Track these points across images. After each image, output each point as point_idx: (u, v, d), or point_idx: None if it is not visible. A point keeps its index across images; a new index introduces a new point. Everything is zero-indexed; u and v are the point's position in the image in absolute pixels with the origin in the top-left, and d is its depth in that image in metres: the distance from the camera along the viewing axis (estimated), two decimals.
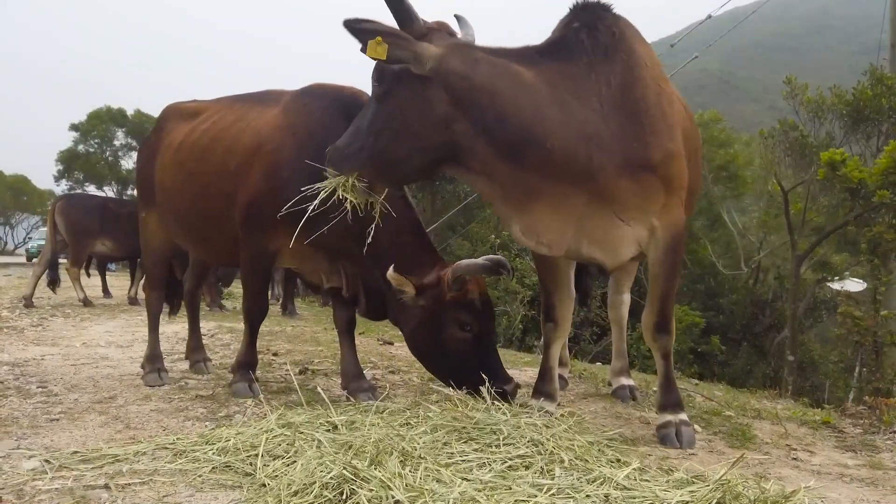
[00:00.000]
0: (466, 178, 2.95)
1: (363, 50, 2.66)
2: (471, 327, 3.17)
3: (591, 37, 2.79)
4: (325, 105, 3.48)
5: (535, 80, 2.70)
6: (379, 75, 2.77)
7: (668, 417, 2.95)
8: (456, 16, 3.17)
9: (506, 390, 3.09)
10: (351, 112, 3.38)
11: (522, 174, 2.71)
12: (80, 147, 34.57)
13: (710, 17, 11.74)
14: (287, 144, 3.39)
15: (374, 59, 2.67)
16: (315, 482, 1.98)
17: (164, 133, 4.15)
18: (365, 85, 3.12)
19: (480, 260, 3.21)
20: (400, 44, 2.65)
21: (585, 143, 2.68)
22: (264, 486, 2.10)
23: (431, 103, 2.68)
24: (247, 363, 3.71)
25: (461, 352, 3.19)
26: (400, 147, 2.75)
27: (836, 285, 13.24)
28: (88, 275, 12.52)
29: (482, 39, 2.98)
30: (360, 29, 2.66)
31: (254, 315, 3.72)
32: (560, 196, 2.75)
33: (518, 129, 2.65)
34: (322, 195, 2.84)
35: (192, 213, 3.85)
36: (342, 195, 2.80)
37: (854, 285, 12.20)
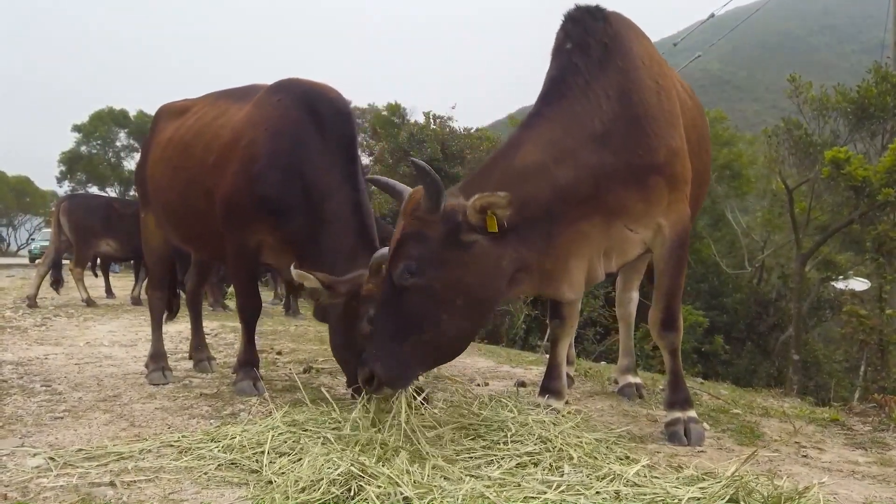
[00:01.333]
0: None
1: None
2: None
3: (583, 55, 2.79)
4: (296, 100, 3.49)
5: (541, 154, 2.64)
6: (415, 265, 2.48)
7: (677, 414, 2.92)
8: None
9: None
10: (320, 107, 3.43)
11: (554, 247, 2.69)
12: (83, 148, 34.66)
13: (713, 15, 11.69)
14: (259, 139, 3.42)
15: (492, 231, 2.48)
16: (322, 479, 1.96)
17: (157, 132, 4.23)
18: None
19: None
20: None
21: (594, 180, 2.68)
22: (271, 483, 2.08)
23: (494, 255, 2.55)
24: (249, 361, 3.70)
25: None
26: (472, 315, 2.57)
27: (840, 284, 13.20)
28: (96, 275, 12.49)
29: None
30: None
31: (247, 313, 3.71)
32: (582, 237, 2.76)
33: (546, 217, 2.61)
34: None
35: (180, 210, 3.88)
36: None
37: (858, 284, 12.16)
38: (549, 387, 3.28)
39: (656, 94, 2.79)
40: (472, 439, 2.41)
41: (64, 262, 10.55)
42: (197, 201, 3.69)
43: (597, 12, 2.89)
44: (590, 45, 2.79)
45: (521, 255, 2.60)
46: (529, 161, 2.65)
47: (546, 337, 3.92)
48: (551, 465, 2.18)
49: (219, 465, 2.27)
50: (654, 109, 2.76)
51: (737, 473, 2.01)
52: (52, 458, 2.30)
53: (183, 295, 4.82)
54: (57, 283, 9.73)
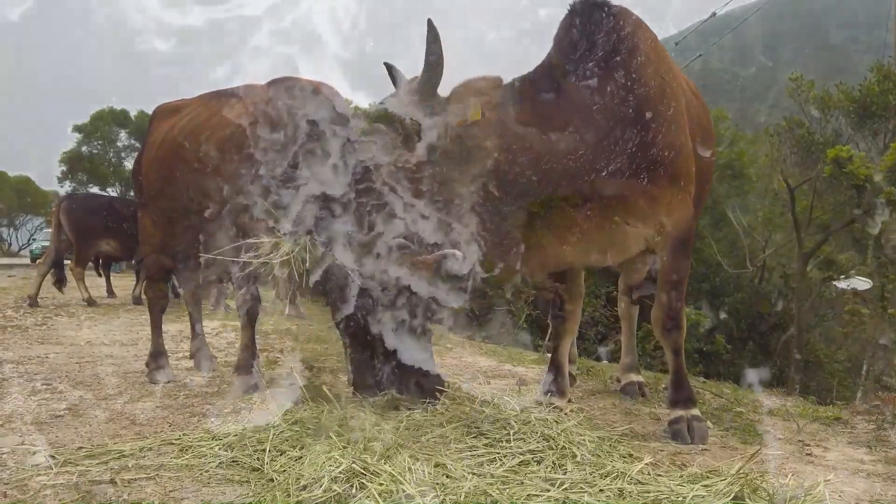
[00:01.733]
0: None
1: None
2: None
3: (587, 49, 2.76)
4: (290, 98, 3.48)
5: (531, 137, 2.64)
6: (380, 144, 2.80)
7: (680, 413, 2.90)
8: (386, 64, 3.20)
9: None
10: (317, 105, 3.42)
11: (525, 223, 2.69)
12: (84, 148, 34.58)
13: (714, 14, 11.67)
14: (254, 138, 3.41)
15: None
16: (324, 476, 1.95)
17: (152, 132, 4.24)
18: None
19: None
20: None
21: (588, 173, 2.66)
22: (272, 480, 2.07)
23: (448, 178, 2.74)
24: (249, 360, 3.69)
25: None
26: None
27: (842, 283, 13.16)
28: (100, 274, 12.47)
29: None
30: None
31: (247, 311, 3.69)
32: (568, 222, 2.75)
33: (520, 193, 2.63)
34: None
35: (175, 209, 3.88)
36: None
37: (861, 283, 12.11)
38: (552, 385, 3.26)
39: (661, 92, 2.75)
40: (474, 437, 2.40)
41: (65, 262, 10.54)
42: (191, 201, 3.69)
43: (603, 6, 2.84)
44: (595, 40, 2.76)
45: (478, 209, 2.60)
46: (518, 134, 2.64)
47: (547, 336, 3.90)
48: (554, 463, 2.16)
49: (220, 463, 2.26)
50: (658, 106, 2.72)
51: (741, 471, 1.99)
52: (52, 457, 2.29)
53: (182, 294, 4.81)
54: (60, 283, 9.70)
